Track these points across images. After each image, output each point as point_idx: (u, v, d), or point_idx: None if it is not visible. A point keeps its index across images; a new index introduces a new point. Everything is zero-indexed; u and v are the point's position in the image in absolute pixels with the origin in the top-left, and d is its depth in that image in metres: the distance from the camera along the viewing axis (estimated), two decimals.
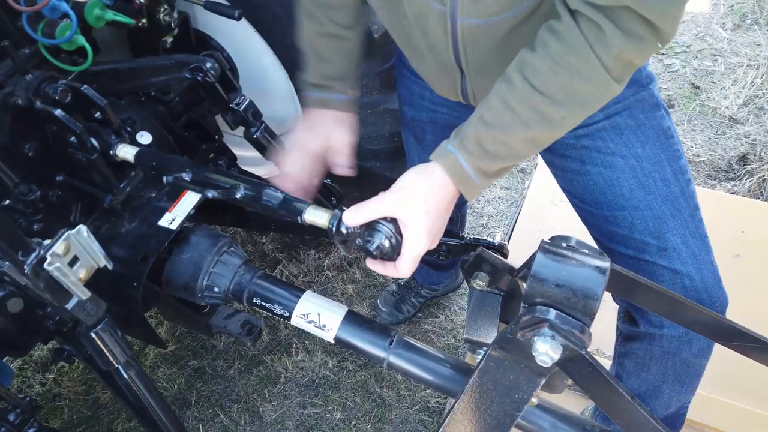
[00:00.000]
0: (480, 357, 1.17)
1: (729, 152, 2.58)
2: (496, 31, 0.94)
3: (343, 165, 1.17)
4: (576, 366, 0.78)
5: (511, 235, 2.08)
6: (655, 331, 1.10)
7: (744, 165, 2.49)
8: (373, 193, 1.57)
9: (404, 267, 0.90)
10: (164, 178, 1.18)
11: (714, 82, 2.93)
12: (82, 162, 1.19)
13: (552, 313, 0.75)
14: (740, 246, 1.91)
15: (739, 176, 2.46)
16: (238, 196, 1.11)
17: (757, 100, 2.78)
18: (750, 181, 2.41)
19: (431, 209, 0.86)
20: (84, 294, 0.86)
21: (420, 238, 0.86)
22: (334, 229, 0.94)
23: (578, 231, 1.56)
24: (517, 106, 0.84)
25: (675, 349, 1.11)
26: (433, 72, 1.14)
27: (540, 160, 2.28)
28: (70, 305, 0.89)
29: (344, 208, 0.95)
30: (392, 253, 0.91)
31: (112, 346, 1.06)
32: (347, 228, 0.93)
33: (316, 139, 1.14)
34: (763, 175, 2.40)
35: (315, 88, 1.17)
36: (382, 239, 0.89)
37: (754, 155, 2.50)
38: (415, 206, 0.86)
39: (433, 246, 0.90)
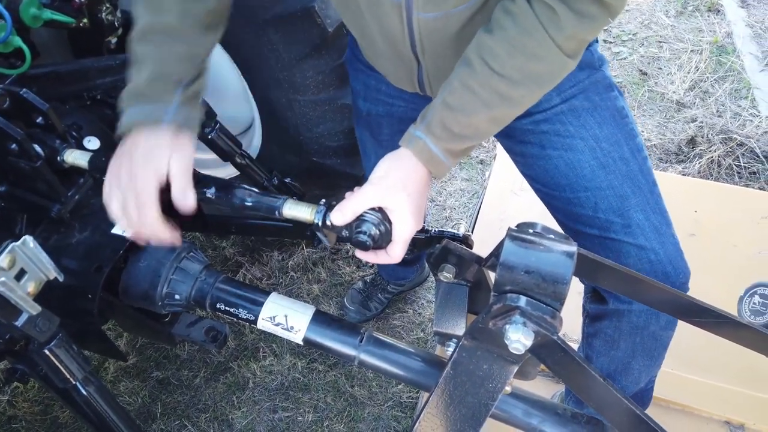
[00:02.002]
0: (451, 349, 1.17)
1: (678, 135, 2.66)
2: (452, 23, 0.95)
3: (182, 199, 0.89)
4: (548, 351, 0.78)
5: (474, 225, 2.09)
6: (624, 306, 1.12)
7: (693, 147, 2.57)
8: (335, 190, 1.56)
9: (396, 251, 0.92)
10: None
11: (660, 68, 3.02)
12: (25, 170, 1.12)
13: (522, 300, 0.75)
14: (694, 225, 1.97)
15: (689, 158, 2.55)
16: (209, 195, 1.06)
17: (701, 84, 2.88)
18: (700, 163, 2.49)
19: (412, 192, 0.89)
20: (34, 309, 0.81)
21: (408, 221, 0.89)
22: (320, 223, 0.94)
23: (539, 218, 1.57)
24: (478, 89, 0.86)
25: (643, 323, 1.13)
26: (389, 63, 1.12)
27: (499, 151, 2.30)
28: (19, 322, 0.84)
29: (324, 200, 0.95)
30: (382, 241, 0.93)
31: (68, 363, 1.01)
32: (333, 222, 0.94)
33: (148, 175, 0.85)
34: (712, 156, 2.48)
35: (138, 100, 0.86)
36: (371, 228, 0.90)
37: (702, 137, 2.58)
38: (396, 192, 0.88)
39: (419, 227, 0.92)
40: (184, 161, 0.87)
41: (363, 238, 0.90)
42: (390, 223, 0.91)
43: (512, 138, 1.17)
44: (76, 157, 1.14)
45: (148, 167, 0.85)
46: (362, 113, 1.38)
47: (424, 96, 1.18)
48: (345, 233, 0.95)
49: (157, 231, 0.88)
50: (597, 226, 1.10)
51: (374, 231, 0.90)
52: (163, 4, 0.87)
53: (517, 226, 0.83)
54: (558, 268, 0.75)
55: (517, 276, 0.76)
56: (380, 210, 0.90)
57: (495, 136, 1.24)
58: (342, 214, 0.90)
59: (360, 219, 0.91)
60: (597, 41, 1.12)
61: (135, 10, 0.88)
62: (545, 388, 1.63)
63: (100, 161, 1.12)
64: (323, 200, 0.96)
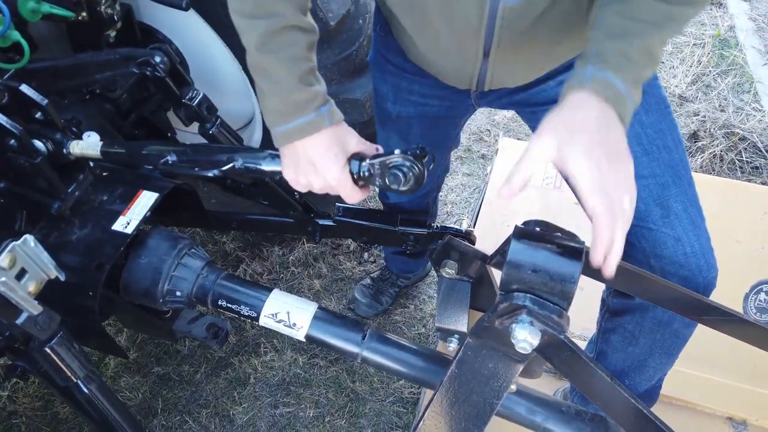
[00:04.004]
0: (453, 345, 1.17)
1: (680, 130, 2.64)
2: (536, 7, 0.91)
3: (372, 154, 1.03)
4: (555, 351, 0.77)
5: (476, 221, 2.07)
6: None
7: (695, 142, 2.56)
8: None
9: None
10: (148, 167, 1.09)
11: (663, 62, 3.00)
12: (24, 167, 1.11)
13: (529, 299, 0.74)
14: None
15: (691, 153, 2.53)
16: (237, 166, 1.02)
17: (704, 78, 2.86)
18: (702, 157, 2.47)
19: (595, 142, 0.75)
20: (35, 309, 0.80)
21: (584, 175, 0.74)
22: (356, 175, 0.95)
23: (541, 213, 1.56)
24: (642, 14, 0.79)
25: (668, 319, 1.11)
26: (446, 59, 1.08)
27: (501, 145, 2.28)
28: (20, 321, 0.83)
29: (361, 155, 0.94)
30: (414, 184, 0.92)
31: (69, 361, 1.00)
32: (366, 170, 0.94)
33: (338, 172, 0.94)
34: (714, 151, 2.47)
35: (290, 115, 0.92)
36: (400, 180, 0.91)
37: (705, 132, 2.57)
38: (576, 138, 0.74)
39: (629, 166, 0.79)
40: (360, 143, 0.96)
41: (399, 186, 0.92)
42: (420, 166, 0.90)
43: None
44: (83, 148, 1.12)
45: (335, 166, 0.93)
46: (391, 116, 1.32)
47: (464, 91, 1.15)
48: (378, 181, 0.95)
49: (362, 197, 0.99)
50: (635, 215, 1.03)
51: (411, 179, 0.91)
52: (270, 6, 0.88)
53: (524, 224, 0.83)
54: (566, 267, 0.75)
55: (523, 275, 0.76)
56: (404, 152, 0.91)
57: (529, 122, 1.22)
58: (509, 188, 0.79)
59: (389, 168, 0.92)
60: None
61: (238, 22, 0.91)
62: (548, 384, 1.63)
63: (114, 151, 1.10)
64: (360, 155, 0.95)
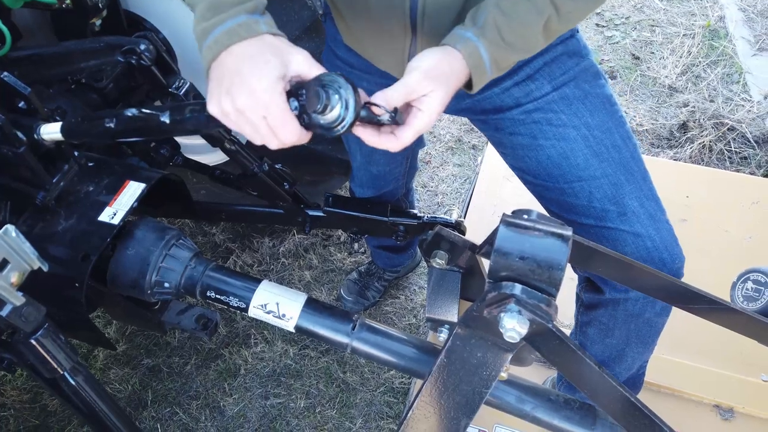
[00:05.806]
0: (443, 335, 1.17)
1: (670, 120, 2.66)
2: None
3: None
4: (543, 340, 0.77)
5: (466, 211, 2.07)
6: (621, 295, 1.12)
7: (685, 132, 2.57)
8: (326, 176, 1.49)
9: (407, 137, 0.84)
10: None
11: (653, 53, 3.00)
12: (7, 156, 1.09)
13: (518, 288, 0.74)
14: (686, 211, 1.97)
15: (680, 143, 2.54)
16: (166, 120, 0.95)
17: (694, 68, 2.87)
18: (691, 148, 2.49)
19: (450, 91, 0.85)
20: (17, 300, 0.79)
21: (434, 116, 0.84)
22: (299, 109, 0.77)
23: (531, 203, 1.56)
24: None
25: (639, 310, 1.13)
26: (378, 38, 1.07)
27: None
28: (4, 312, 0.82)
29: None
30: (350, 119, 0.76)
31: (55, 353, 0.99)
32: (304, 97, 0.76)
33: (271, 84, 0.73)
34: (703, 141, 2.48)
35: (222, 17, 0.74)
36: (343, 110, 0.75)
37: (694, 122, 2.58)
38: (439, 85, 0.83)
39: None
40: (306, 56, 0.77)
41: (336, 123, 0.76)
42: (353, 94, 0.75)
43: (502, 130, 1.15)
44: (51, 131, 1.10)
45: (266, 76, 0.72)
46: None
47: None
48: (319, 131, 0.78)
49: (300, 138, 0.78)
50: (592, 215, 1.09)
51: (348, 114, 0.75)
52: None
53: (513, 212, 0.82)
54: (553, 254, 0.75)
55: (511, 262, 0.75)
56: (343, 87, 0.75)
57: (482, 129, 1.22)
58: (388, 102, 0.81)
59: (327, 105, 0.75)
60: (578, 30, 1.11)
61: None
62: (537, 373, 1.64)
63: (74, 125, 1.08)
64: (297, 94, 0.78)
